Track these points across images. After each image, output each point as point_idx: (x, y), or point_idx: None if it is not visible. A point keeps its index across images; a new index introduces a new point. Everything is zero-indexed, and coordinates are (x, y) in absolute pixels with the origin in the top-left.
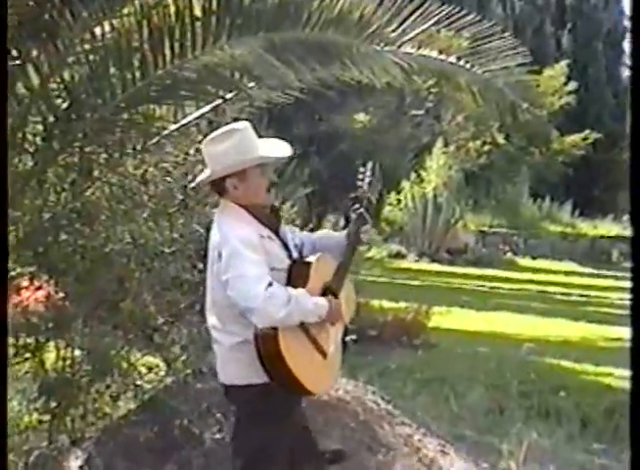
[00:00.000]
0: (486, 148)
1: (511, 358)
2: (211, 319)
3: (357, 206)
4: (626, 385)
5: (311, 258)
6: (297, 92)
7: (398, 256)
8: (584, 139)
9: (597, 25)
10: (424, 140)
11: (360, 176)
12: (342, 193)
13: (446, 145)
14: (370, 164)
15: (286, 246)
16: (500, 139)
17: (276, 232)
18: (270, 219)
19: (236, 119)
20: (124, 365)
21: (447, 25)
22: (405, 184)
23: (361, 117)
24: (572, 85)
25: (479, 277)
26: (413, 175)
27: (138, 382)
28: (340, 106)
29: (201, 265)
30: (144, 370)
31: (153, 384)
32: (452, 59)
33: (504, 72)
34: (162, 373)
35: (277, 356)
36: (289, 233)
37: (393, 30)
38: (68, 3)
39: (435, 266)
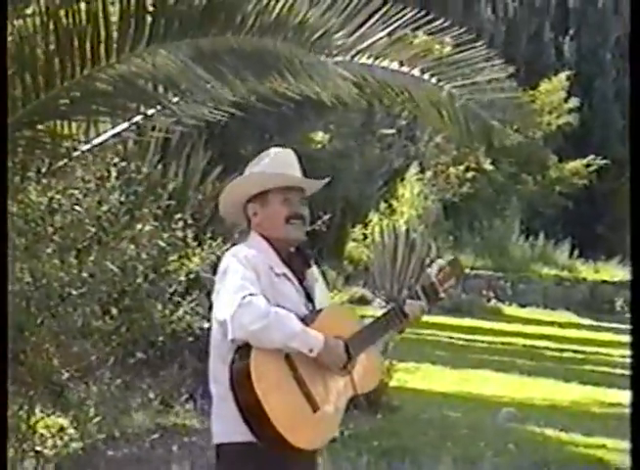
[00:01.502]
0: (470, 175)
1: (486, 425)
2: (211, 366)
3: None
4: (621, 459)
5: (328, 306)
6: (233, 108)
7: (362, 301)
8: (587, 166)
9: (604, 32)
10: (395, 164)
11: (435, 263)
12: None
13: (422, 171)
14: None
15: (308, 294)
16: (487, 165)
17: (299, 275)
18: (292, 259)
19: (166, 140)
20: (23, 427)
21: (409, 32)
22: (373, 216)
23: (319, 136)
24: (574, 102)
25: (456, 328)
26: (382, 206)
27: (38, 448)
28: (294, 123)
29: (114, 311)
30: (47, 433)
31: (56, 450)
32: (416, 72)
33: (487, 88)
34: (67, 438)
35: (247, 385)
36: (320, 284)
37: (345, 38)
38: None
39: None
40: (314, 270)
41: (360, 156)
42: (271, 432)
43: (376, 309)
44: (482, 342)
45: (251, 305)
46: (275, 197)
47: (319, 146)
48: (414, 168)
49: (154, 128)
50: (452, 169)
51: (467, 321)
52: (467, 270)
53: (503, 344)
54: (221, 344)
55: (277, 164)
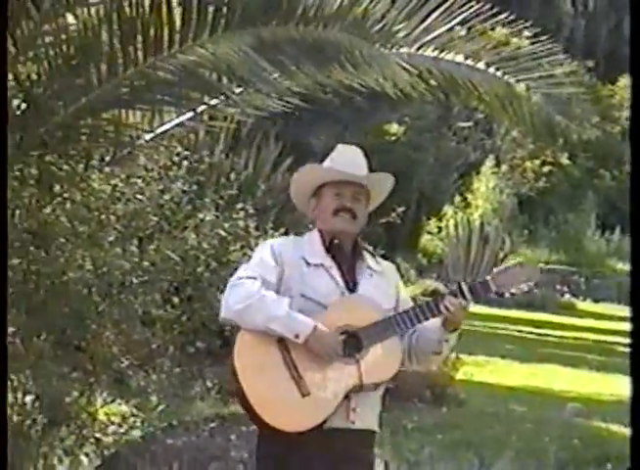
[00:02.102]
0: (546, 169)
1: (552, 420)
2: None
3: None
4: None
5: (347, 297)
6: (299, 99)
7: (435, 294)
8: None
9: None
10: (471, 158)
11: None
12: (370, 217)
13: (498, 164)
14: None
15: (351, 286)
16: (563, 159)
17: (342, 267)
18: (339, 250)
19: (236, 130)
20: (82, 415)
21: (475, 25)
22: (448, 209)
23: (394, 128)
24: None
25: (528, 322)
26: (457, 199)
27: (98, 435)
28: (368, 115)
29: (176, 300)
30: (107, 421)
31: (116, 437)
32: (481, 65)
33: (552, 82)
34: (127, 426)
35: (230, 364)
36: (370, 280)
37: (411, 30)
38: None
39: (478, 308)
40: (369, 264)
41: (436, 149)
42: (249, 410)
43: None
44: (553, 336)
45: (240, 287)
46: (329, 190)
47: (393, 138)
48: (490, 162)
49: (225, 118)
50: (528, 163)
51: (539, 315)
52: (541, 264)
53: (574, 339)
54: None
55: (336, 159)
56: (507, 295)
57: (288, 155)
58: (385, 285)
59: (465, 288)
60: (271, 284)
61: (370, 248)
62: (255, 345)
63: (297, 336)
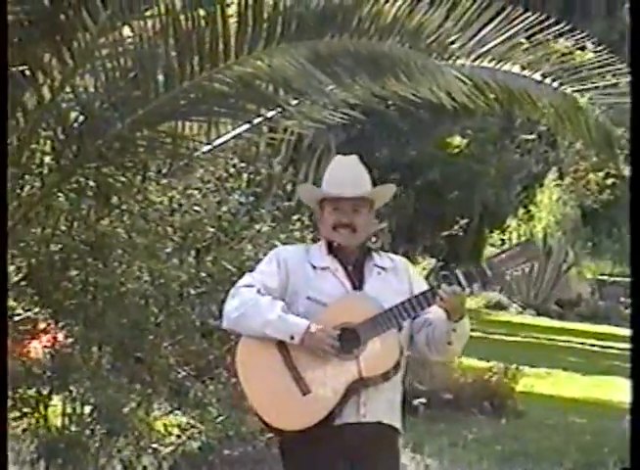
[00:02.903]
0: (610, 181)
1: (611, 431)
2: None
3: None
4: None
5: (344, 295)
6: (357, 112)
7: (498, 306)
8: None
9: None
10: (534, 170)
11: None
12: (432, 229)
13: (561, 176)
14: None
15: (357, 286)
16: (627, 171)
17: (348, 269)
18: (343, 253)
19: (298, 141)
20: (140, 426)
21: (536, 35)
22: (511, 222)
23: (457, 140)
24: None
25: (592, 335)
26: (520, 211)
27: (155, 446)
28: (430, 127)
29: None
30: (164, 431)
31: (173, 447)
32: (537, 76)
33: (598, 94)
34: (184, 437)
35: (233, 370)
36: (377, 279)
37: (467, 41)
38: (85, 1)
39: (542, 320)
40: (377, 262)
41: (498, 161)
42: (255, 414)
43: (512, 315)
44: (616, 348)
45: (238, 295)
46: (328, 205)
47: (456, 150)
48: (553, 174)
49: (285, 130)
50: (592, 176)
51: (603, 328)
52: (604, 277)
53: None
54: None
55: (330, 179)
56: (508, 278)
57: None
58: (395, 281)
59: (460, 275)
60: (272, 289)
61: (375, 247)
62: (256, 350)
63: (292, 337)
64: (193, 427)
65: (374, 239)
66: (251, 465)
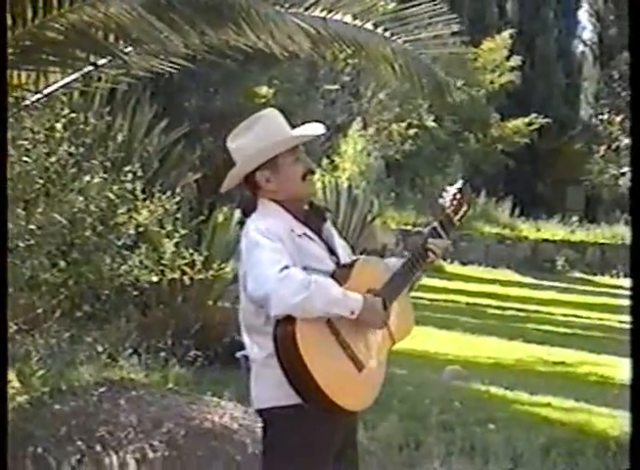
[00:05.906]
0: (412, 132)
1: (432, 383)
2: (244, 336)
3: (434, 220)
4: (566, 417)
5: (357, 260)
6: (184, 60)
7: None
8: (529, 124)
9: None
10: (338, 120)
11: (446, 192)
12: None
13: (365, 127)
14: (461, 183)
15: (330, 248)
16: (429, 122)
17: (317, 231)
18: (309, 216)
19: (112, 90)
20: None
21: None
22: (315, 172)
23: (264, 90)
24: (516, 60)
25: None
26: (325, 161)
27: None
28: (238, 77)
29: (62, 263)
30: None
31: None
32: (369, 26)
33: (431, 43)
34: (13, 391)
35: (294, 355)
36: (336, 237)
37: None
38: None
39: None
40: (329, 224)
41: (303, 111)
42: (321, 397)
43: None
44: (424, 299)
45: (290, 279)
46: (285, 159)
47: (263, 100)
48: (357, 125)
49: (99, 79)
50: (395, 126)
51: None
52: (408, 227)
53: (445, 301)
54: (254, 317)
55: (274, 126)
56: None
57: (161, 118)
58: (343, 242)
59: (439, 228)
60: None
61: (323, 206)
62: (312, 331)
63: (352, 312)
64: (21, 382)
65: (179, 190)
66: (82, 419)
